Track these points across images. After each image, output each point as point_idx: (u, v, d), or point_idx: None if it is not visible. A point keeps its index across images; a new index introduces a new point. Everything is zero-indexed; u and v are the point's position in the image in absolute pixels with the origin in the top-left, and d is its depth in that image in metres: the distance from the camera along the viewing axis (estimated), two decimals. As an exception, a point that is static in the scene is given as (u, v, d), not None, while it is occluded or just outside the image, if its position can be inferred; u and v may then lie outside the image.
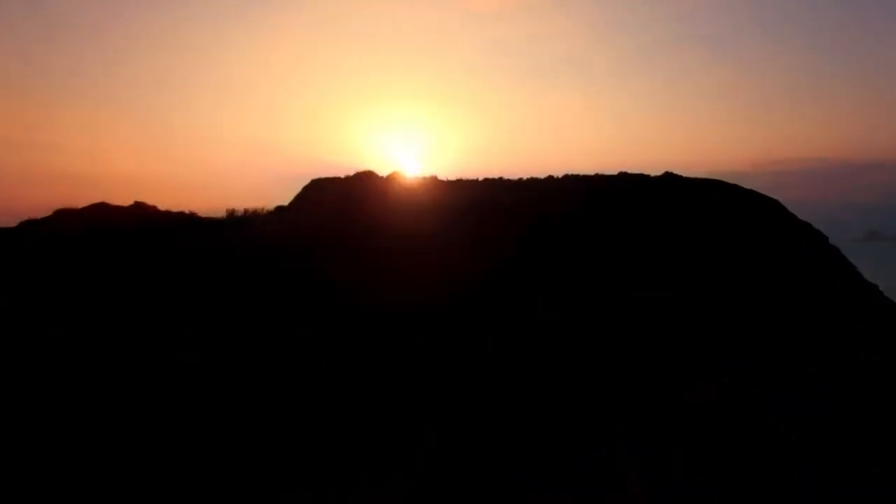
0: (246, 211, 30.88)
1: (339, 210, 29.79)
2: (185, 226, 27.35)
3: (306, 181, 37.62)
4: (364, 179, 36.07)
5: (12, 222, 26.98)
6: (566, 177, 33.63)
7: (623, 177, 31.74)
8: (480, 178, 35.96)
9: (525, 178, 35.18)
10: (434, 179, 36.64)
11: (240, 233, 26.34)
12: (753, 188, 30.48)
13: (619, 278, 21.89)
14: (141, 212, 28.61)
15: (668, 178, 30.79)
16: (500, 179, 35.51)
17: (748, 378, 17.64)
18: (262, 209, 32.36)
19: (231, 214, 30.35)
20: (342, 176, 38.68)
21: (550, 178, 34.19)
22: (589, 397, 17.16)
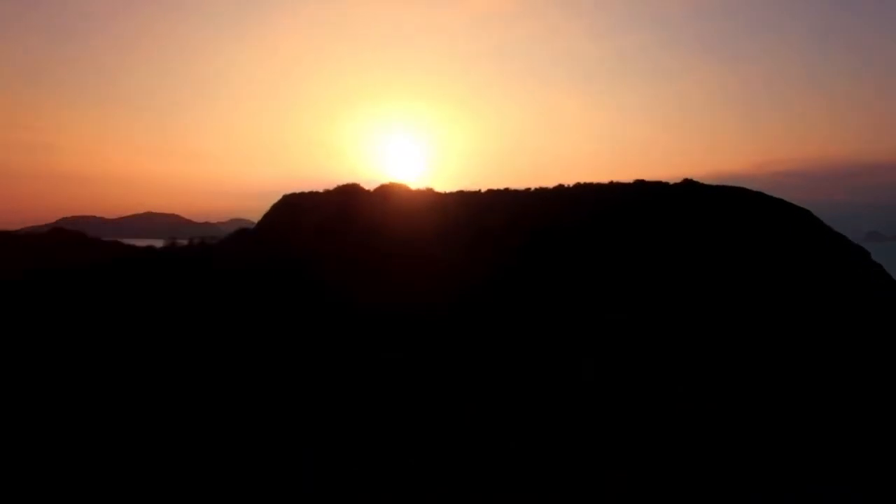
0: (191, 241, 27.70)
1: (319, 233, 26.24)
2: (109, 264, 23.44)
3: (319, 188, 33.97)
4: (347, 194, 31.96)
5: (12, 223, 25.85)
6: (578, 185, 31.65)
7: (640, 185, 29.98)
8: (483, 189, 33.26)
9: (533, 188, 32.77)
10: (430, 192, 33.40)
11: (189, 269, 22.77)
12: (754, 189, 29.57)
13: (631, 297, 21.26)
14: (60, 240, 24.45)
15: (689, 186, 29.24)
16: (506, 190, 32.58)
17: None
18: (214, 235, 29.41)
19: (172, 245, 27.42)
20: (321, 190, 33.83)
21: (561, 186, 32.10)
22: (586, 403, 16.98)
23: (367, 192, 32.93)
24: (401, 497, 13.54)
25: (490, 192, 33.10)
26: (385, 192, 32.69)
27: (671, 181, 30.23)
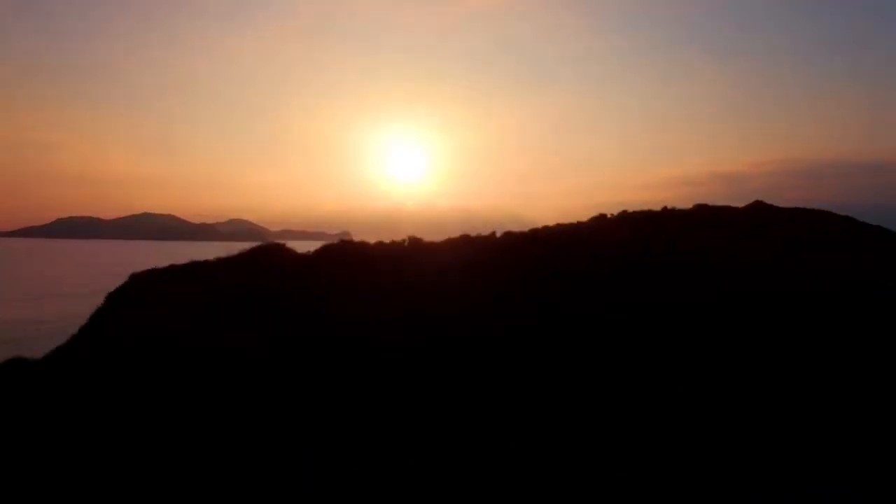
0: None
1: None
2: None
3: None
4: (253, 270, 19.01)
5: (12, 224, 24.16)
6: (624, 214, 25.45)
7: (701, 212, 25.07)
8: (499, 234, 24.07)
9: (566, 222, 24.92)
10: (417, 244, 22.04)
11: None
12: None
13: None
14: None
15: (760, 210, 24.62)
16: (533, 232, 24.06)
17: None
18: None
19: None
20: (212, 258, 20.44)
21: (602, 216, 25.76)
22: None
23: (294, 259, 20.52)
24: (401, 497, 13.62)
25: (508, 236, 23.84)
26: (329, 258, 19.99)
27: (739, 204, 24.93)
